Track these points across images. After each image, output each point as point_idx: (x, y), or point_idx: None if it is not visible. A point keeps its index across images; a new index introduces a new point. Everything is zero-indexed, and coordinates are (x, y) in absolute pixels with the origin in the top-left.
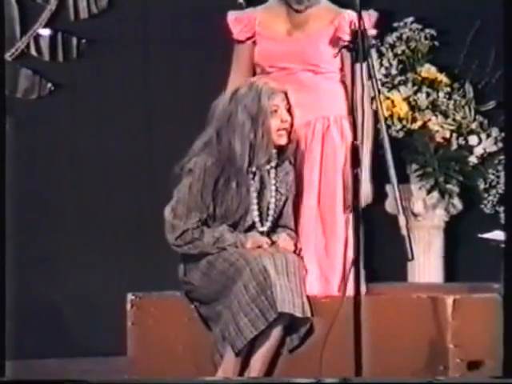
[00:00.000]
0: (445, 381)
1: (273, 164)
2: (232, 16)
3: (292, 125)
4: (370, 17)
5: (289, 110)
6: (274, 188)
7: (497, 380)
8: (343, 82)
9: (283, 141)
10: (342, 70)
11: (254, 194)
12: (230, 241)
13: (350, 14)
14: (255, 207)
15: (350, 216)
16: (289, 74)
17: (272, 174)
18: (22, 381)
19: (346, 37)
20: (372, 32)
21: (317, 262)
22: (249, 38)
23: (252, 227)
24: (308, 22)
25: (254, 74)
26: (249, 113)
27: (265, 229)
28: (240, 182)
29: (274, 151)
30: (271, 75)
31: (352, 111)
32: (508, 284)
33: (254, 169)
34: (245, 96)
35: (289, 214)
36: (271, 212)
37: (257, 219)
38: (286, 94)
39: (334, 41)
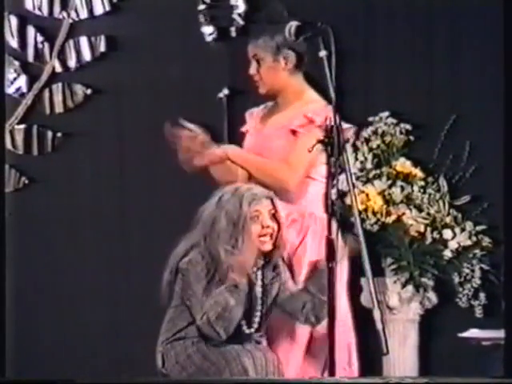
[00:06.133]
0: (443, 381)
1: (259, 266)
2: (249, 111)
3: (278, 230)
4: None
5: (274, 216)
6: (260, 290)
7: (497, 380)
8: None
9: (267, 246)
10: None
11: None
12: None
13: (317, 108)
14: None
15: None
16: None
17: (259, 276)
18: (22, 381)
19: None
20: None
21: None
22: (245, 132)
23: (241, 328)
24: (280, 111)
25: None
26: (230, 218)
27: (252, 330)
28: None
29: (257, 256)
30: None
31: (326, 206)
32: None
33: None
34: (228, 202)
35: None
36: (258, 313)
37: (243, 322)
38: (271, 200)
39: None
